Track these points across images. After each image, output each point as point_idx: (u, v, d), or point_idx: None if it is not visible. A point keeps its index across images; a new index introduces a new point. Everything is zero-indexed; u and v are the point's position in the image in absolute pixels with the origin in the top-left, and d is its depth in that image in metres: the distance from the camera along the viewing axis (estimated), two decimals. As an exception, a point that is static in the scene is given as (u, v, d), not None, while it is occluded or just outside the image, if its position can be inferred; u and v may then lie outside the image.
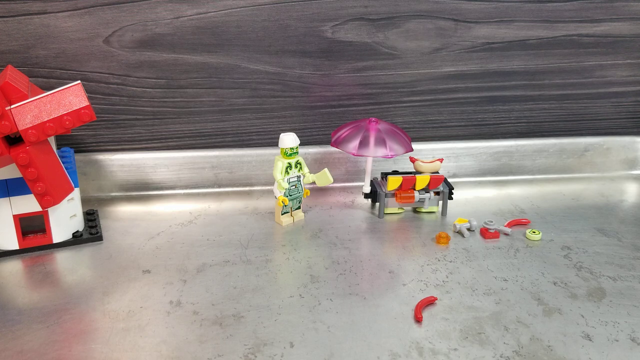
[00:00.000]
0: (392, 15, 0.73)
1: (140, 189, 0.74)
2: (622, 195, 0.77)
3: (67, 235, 0.61)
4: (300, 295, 0.53)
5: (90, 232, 0.62)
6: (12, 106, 0.52)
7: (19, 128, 0.52)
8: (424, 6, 0.73)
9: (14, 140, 0.53)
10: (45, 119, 0.52)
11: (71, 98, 0.54)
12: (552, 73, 0.80)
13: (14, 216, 0.58)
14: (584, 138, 0.82)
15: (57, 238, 0.60)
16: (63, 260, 0.59)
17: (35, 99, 0.53)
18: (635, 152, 0.83)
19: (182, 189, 0.75)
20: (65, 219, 0.60)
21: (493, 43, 0.76)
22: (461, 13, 0.74)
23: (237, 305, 0.52)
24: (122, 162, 0.73)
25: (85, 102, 0.54)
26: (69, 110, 0.53)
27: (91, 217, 0.65)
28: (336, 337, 0.48)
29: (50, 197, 0.55)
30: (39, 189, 0.54)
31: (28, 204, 0.58)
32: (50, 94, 0.54)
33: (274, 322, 0.49)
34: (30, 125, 0.52)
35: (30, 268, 0.57)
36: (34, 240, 0.60)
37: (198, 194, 0.74)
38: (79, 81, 0.57)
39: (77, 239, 0.61)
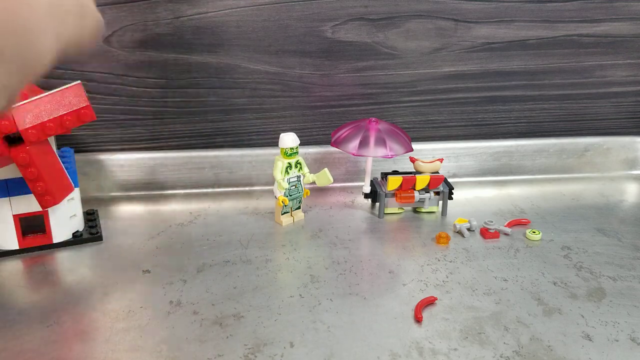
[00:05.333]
0: (392, 15, 0.73)
1: (140, 189, 0.74)
2: (622, 195, 0.77)
3: (67, 235, 0.61)
4: (300, 295, 0.53)
5: (90, 232, 0.62)
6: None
7: (19, 128, 0.51)
8: (424, 6, 0.73)
9: (14, 140, 0.53)
10: (46, 119, 0.52)
11: (71, 98, 0.54)
12: (552, 73, 0.80)
13: (14, 216, 0.58)
14: (584, 138, 0.82)
15: (57, 238, 0.60)
16: (63, 260, 0.59)
17: (35, 99, 0.53)
18: (635, 152, 0.83)
19: (182, 189, 0.75)
20: (65, 219, 0.60)
21: (493, 43, 0.76)
22: (461, 13, 0.74)
23: (237, 305, 0.52)
24: (122, 162, 0.73)
25: (85, 102, 0.54)
26: (69, 110, 0.53)
27: (91, 217, 0.65)
28: (336, 337, 0.48)
29: (50, 196, 0.55)
30: (39, 188, 0.54)
31: (28, 204, 0.58)
32: (50, 93, 0.54)
33: (274, 322, 0.49)
34: (30, 125, 0.52)
35: (30, 268, 0.57)
36: (34, 240, 0.60)
37: (198, 194, 0.74)
38: (79, 81, 0.57)
39: (77, 239, 0.61)
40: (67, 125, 0.53)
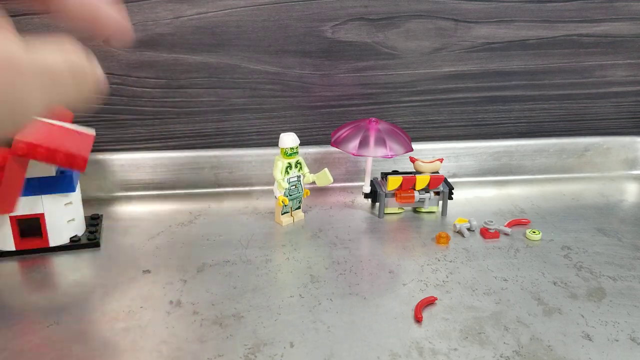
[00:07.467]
0: (392, 15, 0.73)
1: (140, 189, 0.74)
2: (622, 195, 0.77)
3: (64, 240, 0.60)
4: (300, 295, 0.53)
5: (89, 237, 0.62)
6: None
7: (16, 136, 0.51)
8: (424, 6, 0.73)
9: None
10: (41, 144, 0.51)
11: (77, 142, 0.53)
12: (552, 73, 0.80)
13: (11, 217, 0.57)
14: (584, 138, 0.82)
15: (53, 242, 0.60)
16: (63, 260, 0.59)
17: (49, 122, 0.53)
18: (635, 152, 0.83)
19: (182, 189, 0.75)
20: (62, 223, 0.60)
21: (493, 43, 0.76)
22: (461, 13, 0.74)
23: (237, 305, 0.52)
24: (122, 162, 0.73)
25: (85, 154, 0.53)
26: (67, 151, 0.52)
27: (94, 222, 0.65)
28: (336, 337, 0.48)
29: None
30: None
31: (25, 206, 0.57)
32: (64, 127, 0.53)
33: (274, 322, 0.49)
34: (25, 139, 0.50)
35: (30, 268, 0.57)
36: (31, 242, 0.59)
37: (198, 194, 0.74)
38: (94, 133, 0.56)
39: (73, 244, 0.60)
40: (56, 161, 0.52)
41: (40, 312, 0.50)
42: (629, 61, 0.81)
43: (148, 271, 0.57)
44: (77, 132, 0.55)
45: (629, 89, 0.83)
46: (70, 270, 0.57)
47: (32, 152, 0.51)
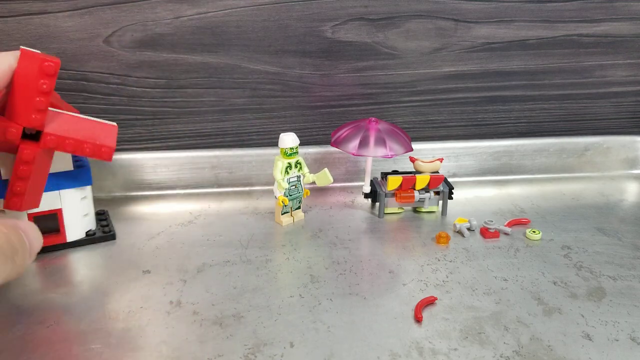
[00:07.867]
0: (392, 15, 0.73)
1: (140, 189, 0.74)
2: (622, 195, 0.77)
3: (80, 234, 0.61)
4: (300, 295, 0.53)
5: (104, 230, 0.62)
6: (50, 108, 0.53)
7: (44, 129, 0.51)
8: (424, 6, 0.73)
9: (28, 135, 0.53)
10: (68, 136, 0.52)
11: (101, 133, 0.55)
12: (552, 73, 0.80)
13: (28, 215, 0.57)
14: (584, 138, 0.82)
15: (70, 237, 0.60)
16: (63, 260, 0.59)
17: (73, 115, 0.54)
18: (635, 151, 0.83)
19: (182, 189, 0.75)
20: (79, 217, 0.60)
21: (493, 43, 0.76)
22: (461, 13, 0.74)
23: (237, 305, 0.52)
24: (122, 162, 0.73)
25: (112, 144, 0.54)
26: (93, 142, 0.53)
27: (102, 217, 0.65)
28: (336, 337, 0.48)
29: (19, 200, 0.53)
30: (18, 188, 0.53)
31: (44, 202, 0.57)
32: (88, 119, 0.55)
33: (274, 322, 0.49)
34: (54, 132, 0.52)
35: (30, 268, 0.57)
36: (47, 239, 0.59)
37: (198, 194, 0.74)
38: (116, 124, 0.57)
39: (90, 238, 0.61)
40: (84, 152, 0.53)
41: (40, 312, 0.50)
42: (629, 61, 0.81)
43: (148, 271, 0.57)
44: (100, 123, 0.55)
45: (629, 89, 0.83)
46: (70, 270, 0.57)
47: (62, 144, 0.52)
